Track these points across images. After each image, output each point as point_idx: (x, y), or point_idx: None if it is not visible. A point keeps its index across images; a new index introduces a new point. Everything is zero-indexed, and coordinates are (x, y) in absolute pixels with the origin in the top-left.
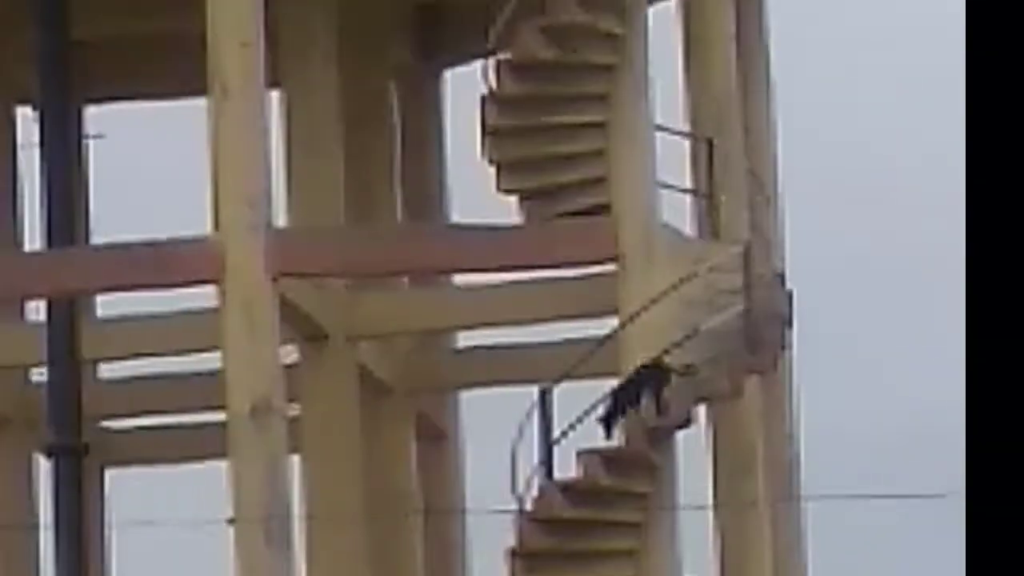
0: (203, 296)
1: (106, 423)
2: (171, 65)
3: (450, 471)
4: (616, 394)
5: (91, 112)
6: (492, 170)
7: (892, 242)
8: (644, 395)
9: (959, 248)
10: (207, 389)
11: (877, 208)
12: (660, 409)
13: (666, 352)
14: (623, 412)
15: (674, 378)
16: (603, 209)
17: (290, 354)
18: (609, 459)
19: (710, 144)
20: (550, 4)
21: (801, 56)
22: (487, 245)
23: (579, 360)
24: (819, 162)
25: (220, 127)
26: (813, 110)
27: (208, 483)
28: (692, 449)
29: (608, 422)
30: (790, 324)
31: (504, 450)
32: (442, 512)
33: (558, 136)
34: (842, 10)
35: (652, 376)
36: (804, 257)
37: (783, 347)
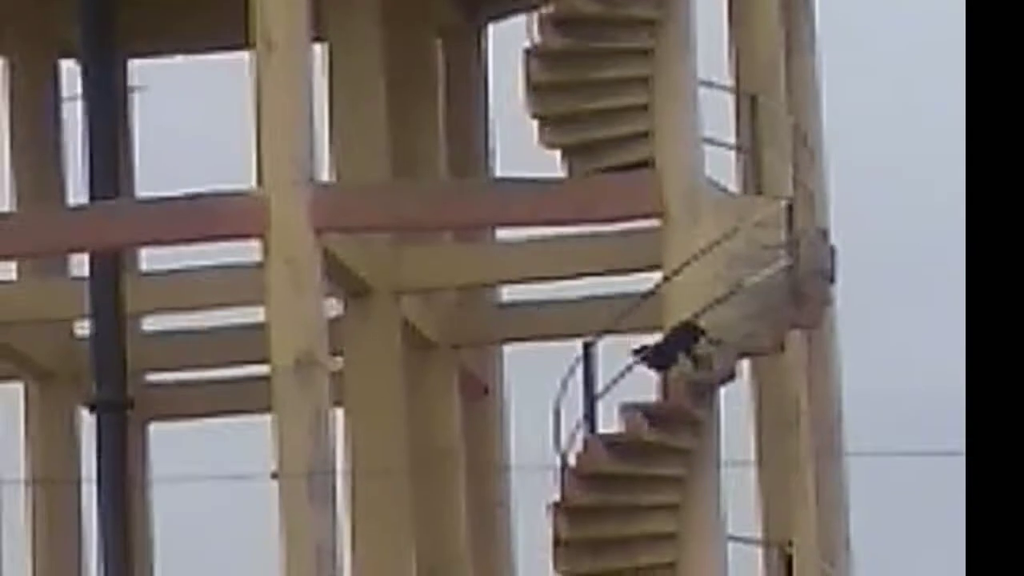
0: (247, 250)
1: (150, 377)
2: (215, 19)
3: (493, 426)
4: (651, 354)
5: (135, 65)
6: (536, 125)
7: (938, 199)
8: (677, 355)
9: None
10: (251, 343)
11: (922, 164)
12: (697, 366)
13: (706, 309)
14: (662, 370)
15: (704, 340)
16: (647, 164)
17: (334, 308)
18: (652, 414)
19: (754, 100)
20: None
21: (847, 10)
22: (531, 200)
23: (622, 315)
24: (864, 119)
25: (264, 81)
26: (858, 68)
27: (251, 437)
28: (735, 404)
29: (662, 365)
30: (833, 279)
31: (547, 405)
32: (485, 467)
33: (602, 91)
34: None
35: (684, 337)
36: (848, 212)
37: (826, 303)
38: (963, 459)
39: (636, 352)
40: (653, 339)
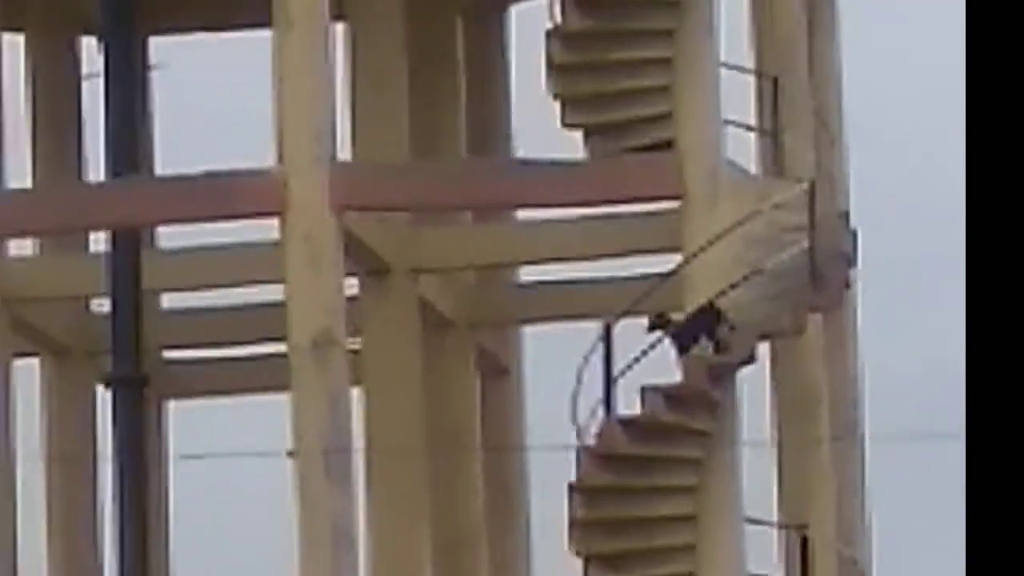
0: (266, 228)
1: (167, 354)
2: None
3: (511, 406)
4: (672, 336)
5: (155, 43)
6: (557, 105)
7: (957, 185)
8: (698, 338)
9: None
10: (269, 321)
11: (941, 150)
12: (718, 350)
13: (725, 291)
14: (683, 351)
15: (725, 322)
16: (668, 145)
17: (352, 287)
18: (670, 396)
19: (775, 82)
20: None
21: None
22: (551, 180)
23: (641, 296)
24: (885, 103)
25: (284, 59)
26: (880, 52)
27: (269, 416)
28: (755, 387)
29: (682, 346)
30: (854, 263)
31: (566, 386)
32: (503, 447)
33: (623, 72)
34: None
35: (704, 320)
36: (869, 196)
37: (846, 286)
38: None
39: (652, 321)
40: (668, 310)
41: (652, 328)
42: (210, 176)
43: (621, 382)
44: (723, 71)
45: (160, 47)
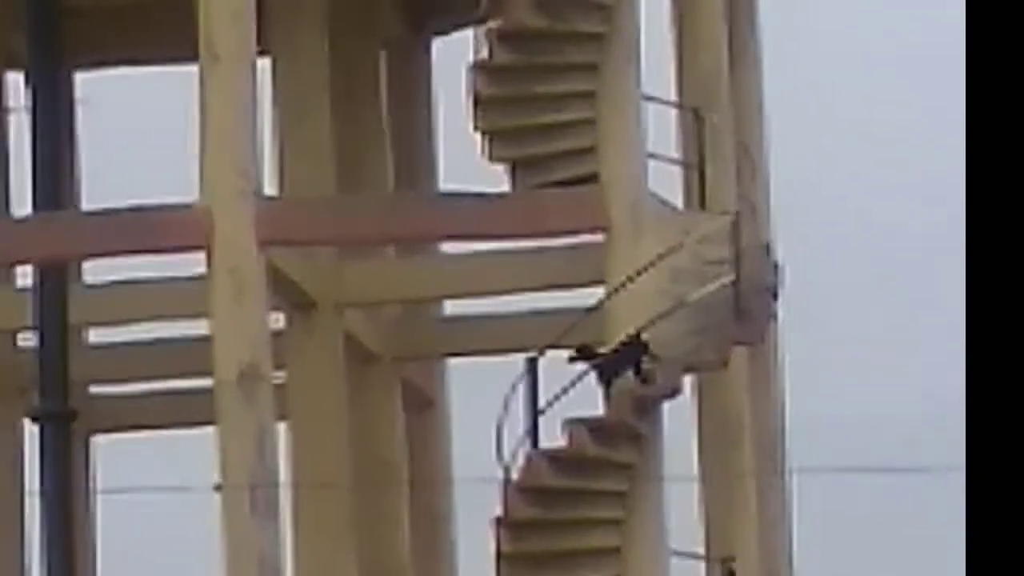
0: (191, 263)
1: (94, 389)
2: (161, 31)
3: (437, 439)
4: (597, 368)
5: (81, 78)
6: (480, 139)
7: (882, 214)
8: (623, 370)
9: (956, 219)
10: (195, 355)
11: (867, 177)
12: (642, 382)
13: (650, 324)
14: (607, 384)
15: (650, 355)
16: (592, 179)
17: (278, 322)
18: (595, 429)
19: (698, 115)
20: None
21: (791, 27)
22: (476, 213)
23: (566, 329)
24: (806, 134)
25: (209, 93)
26: (802, 82)
27: (195, 450)
28: (679, 419)
29: (607, 379)
30: (777, 296)
31: (491, 419)
32: (428, 480)
33: (547, 105)
34: None
35: (630, 352)
36: (791, 229)
37: (770, 318)
38: (904, 476)
39: (575, 353)
40: (590, 341)
41: (575, 360)
42: (135, 210)
43: (546, 415)
44: (646, 104)
45: (86, 82)
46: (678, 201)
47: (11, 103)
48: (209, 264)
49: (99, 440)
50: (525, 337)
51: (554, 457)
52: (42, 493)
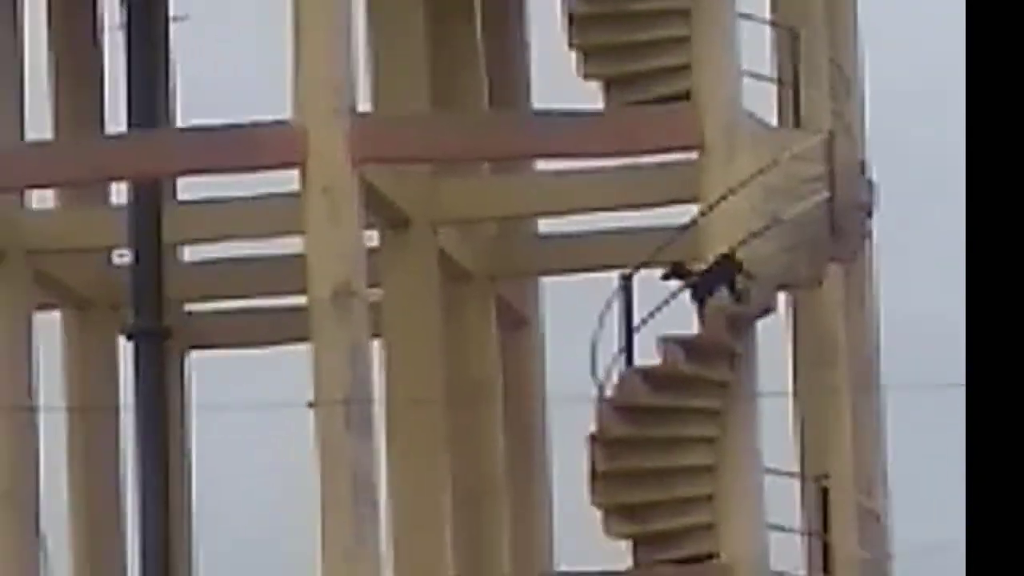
0: (286, 180)
1: (188, 306)
2: None
3: (531, 357)
4: (691, 287)
5: None
6: (575, 56)
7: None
8: (716, 288)
9: None
10: (289, 273)
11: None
12: (736, 300)
13: (744, 242)
14: (701, 302)
15: (744, 273)
16: (686, 96)
17: (372, 240)
18: (689, 347)
19: (793, 33)
20: None
21: None
22: (569, 132)
23: (660, 247)
24: (903, 56)
25: (303, 11)
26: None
27: (290, 367)
28: (774, 337)
29: (701, 297)
30: (871, 213)
31: (585, 337)
32: (522, 398)
33: (642, 22)
34: None
35: (724, 270)
36: (887, 147)
37: (864, 236)
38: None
39: (669, 271)
40: (684, 259)
41: (668, 277)
42: (229, 128)
43: (641, 333)
44: (741, 22)
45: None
46: (772, 119)
47: (107, 21)
48: (303, 182)
49: (194, 357)
50: (619, 255)
51: (648, 375)
52: (137, 410)
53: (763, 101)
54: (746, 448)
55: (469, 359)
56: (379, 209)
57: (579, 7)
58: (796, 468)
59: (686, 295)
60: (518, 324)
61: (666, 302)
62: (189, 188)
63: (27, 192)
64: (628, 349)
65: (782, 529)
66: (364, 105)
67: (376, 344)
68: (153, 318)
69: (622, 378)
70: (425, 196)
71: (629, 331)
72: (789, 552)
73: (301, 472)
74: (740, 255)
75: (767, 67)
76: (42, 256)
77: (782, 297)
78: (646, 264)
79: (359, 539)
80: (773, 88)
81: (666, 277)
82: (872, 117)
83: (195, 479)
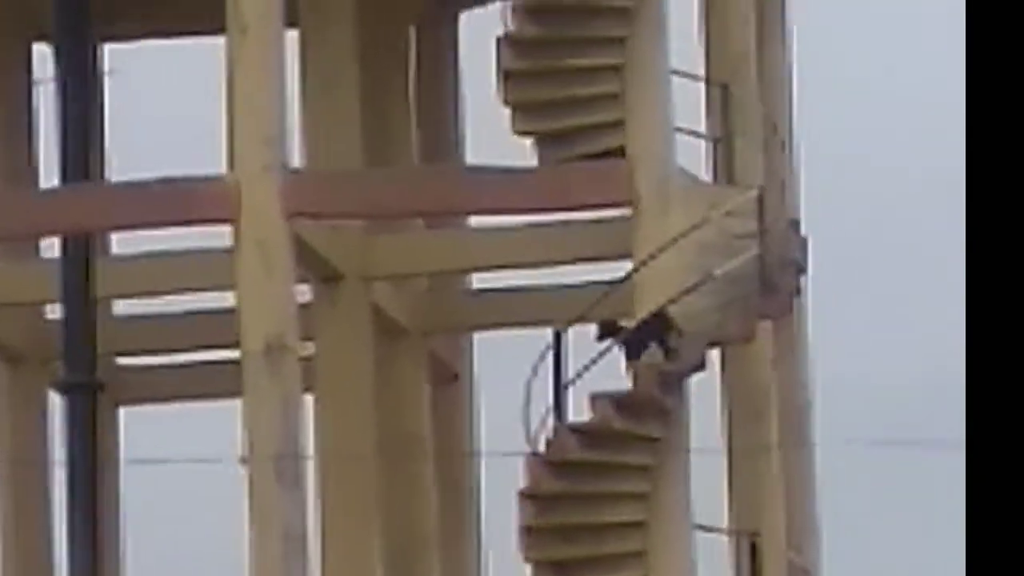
0: (219, 235)
1: (120, 360)
2: (189, 3)
3: (462, 412)
4: (622, 344)
5: (108, 49)
6: (508, 112)
7: (911, 188)
8: (648, 345)
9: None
10: (221, 327)
11: (893, 153)
12: (667, 356)
13: (676, 298)
14: (633, 358)
15: (675, 329)
16: (619, 152)
17: (304, 294)
18: (621, 402)
19: (725, 89)
20: None
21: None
22: (502, 187)
23: (593, 303)
24: (834, 110)
25: (237, 66)
26: (829, 56)
27: (221, 422)
28: (705, 393)
29: (632, 353)
30: (804, 270)
31: (517, 392)
32: (454, 453)
33: (574, 79)
34: None
35: (655, 327)
36: (819, 204)
37: (796, 293)
38: (929, 448)
39: (601, 328)
40: (615, 315)
41: (602, 336)
42: (163, 182)
43: (572, 389)
44: (674, 79)
45: (114, 53)
46: (705, 176)
47: (39, 75)
48: (236, 236)
49: (126, 411)
50: (551, 311)
51: (580, 431)
52: (68, 464)
53: (696, 157)
54: (677, 504)
55: (401, 414)
56: (312, 264)
57: (511, 63)
58: (727, 524)
59: (618, 352)
60: (450, 379)
61: (598, 358)
62: (121, 242)
63: None
64: (559, 405)
65: None
66: (297, 161)
67: (308, 398)
68: (85, 372)
69: (554, 434)
70: (358, 251)
71: (560, 387)
72: None
73: (232, 527)
74: (672, 311)
75: (700, 123)
76: None
77: (714, 353)
78: (578, 320)
79: None
80: (705, 144)
81: (601, 336)
82: (806, 174)
83: (125, 534)
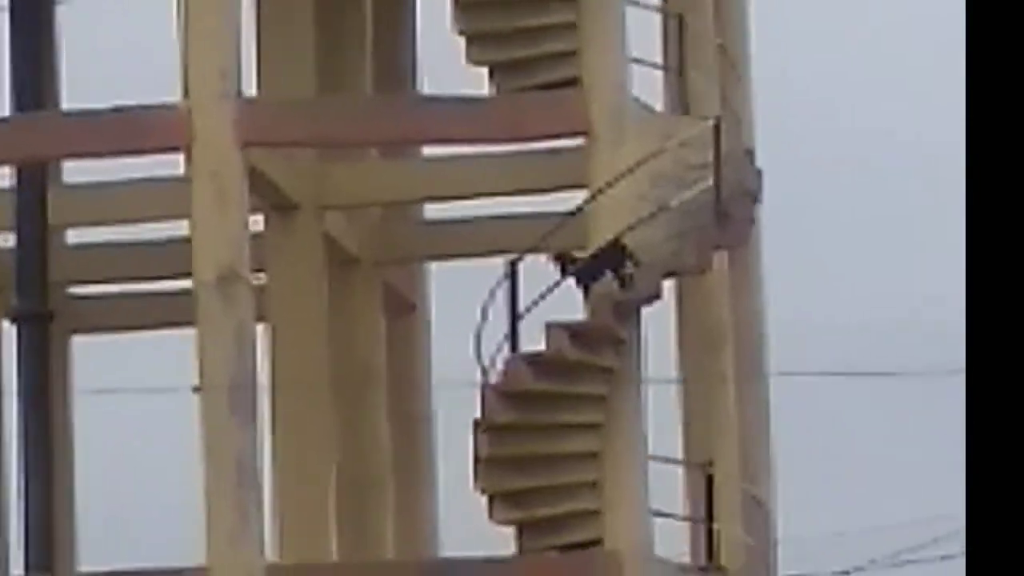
0: (172, 163)
1: (72, 290)
2: None
3: (417, 342)
4: (577, 273)
5: None
6: (463, 42)
7: (865, 122)
8: (602, 275)
9: (947, 125)
10: (174, 257)
11: (850, 85)
12: (623, 286)
13: (631, 228)
14: (587, 288)
15: (630, 259)
16: (573, 82)
17: (258, 224)
18: (575, 332)
19: (681, 19)
20: None
21: None
22: (457, 117)
23: (547, 233)
24: (791, 39)
25: None
26: None
27: (174, 351)
28: (660, 324)
29: (587, 283)
30: (758, 200)
31: (471, 322)
32: (408, 383)
33: (529, 8)
34: None
35: (610, 257)
36: (775, 133)
37: (751, 223)
38: (884, 379)
39: (556, 258)
40: (574, 247)
41: (563, 270)
42: (116, 111)
43: (527, 319)
44: (629, 9)
45: None
46: (660, 106)
47: None
48: (189, 166)
49: (77, 341)
50: (506, 241)
51: (533, 361)
52: (20, 394)
53: (651, 88)
54: (631, 434)
55: (355, 344)
56: (265, 193)
57: None
58: (681, 455)
59: (572, 282)
60: (404, 309)
61: (552, 288)
62: (74, 171)
63: None
64: (513, 335)
65: (667, 516)
66: (251, 89)
67: (261, 328)
68: (37, 301)
69: (507, 364)
70: (312, 180)
71: (514, 317)
72: (674, 539)
73: (185, 457)
74: (627, 241)
75: (655, 53)
76: None
77: (669, 283)
78: (533, 250)
79: (243, 523)
80: (661, 75)
81: (561, 271)
82: (761, 104)
83: (78, 463)
